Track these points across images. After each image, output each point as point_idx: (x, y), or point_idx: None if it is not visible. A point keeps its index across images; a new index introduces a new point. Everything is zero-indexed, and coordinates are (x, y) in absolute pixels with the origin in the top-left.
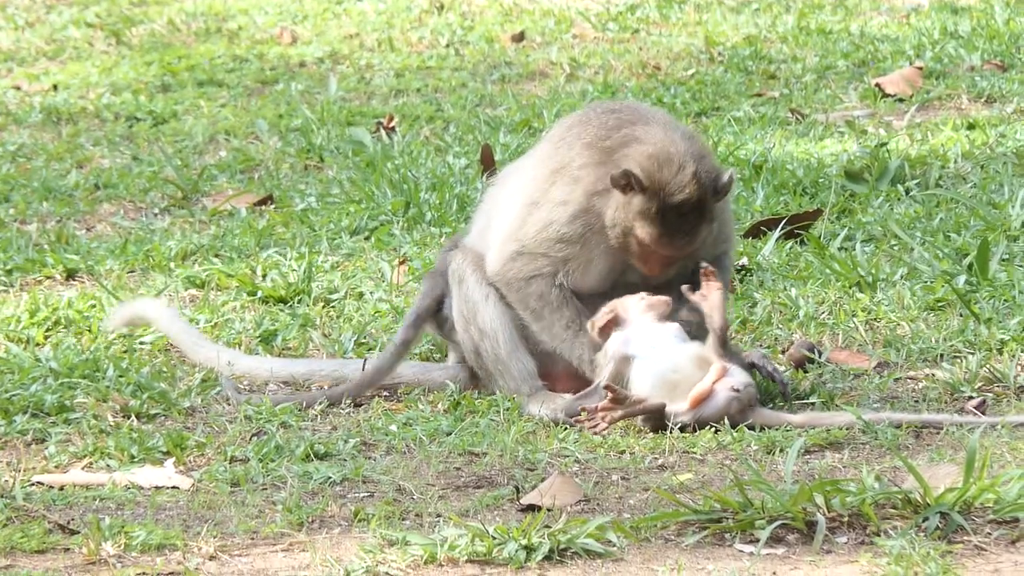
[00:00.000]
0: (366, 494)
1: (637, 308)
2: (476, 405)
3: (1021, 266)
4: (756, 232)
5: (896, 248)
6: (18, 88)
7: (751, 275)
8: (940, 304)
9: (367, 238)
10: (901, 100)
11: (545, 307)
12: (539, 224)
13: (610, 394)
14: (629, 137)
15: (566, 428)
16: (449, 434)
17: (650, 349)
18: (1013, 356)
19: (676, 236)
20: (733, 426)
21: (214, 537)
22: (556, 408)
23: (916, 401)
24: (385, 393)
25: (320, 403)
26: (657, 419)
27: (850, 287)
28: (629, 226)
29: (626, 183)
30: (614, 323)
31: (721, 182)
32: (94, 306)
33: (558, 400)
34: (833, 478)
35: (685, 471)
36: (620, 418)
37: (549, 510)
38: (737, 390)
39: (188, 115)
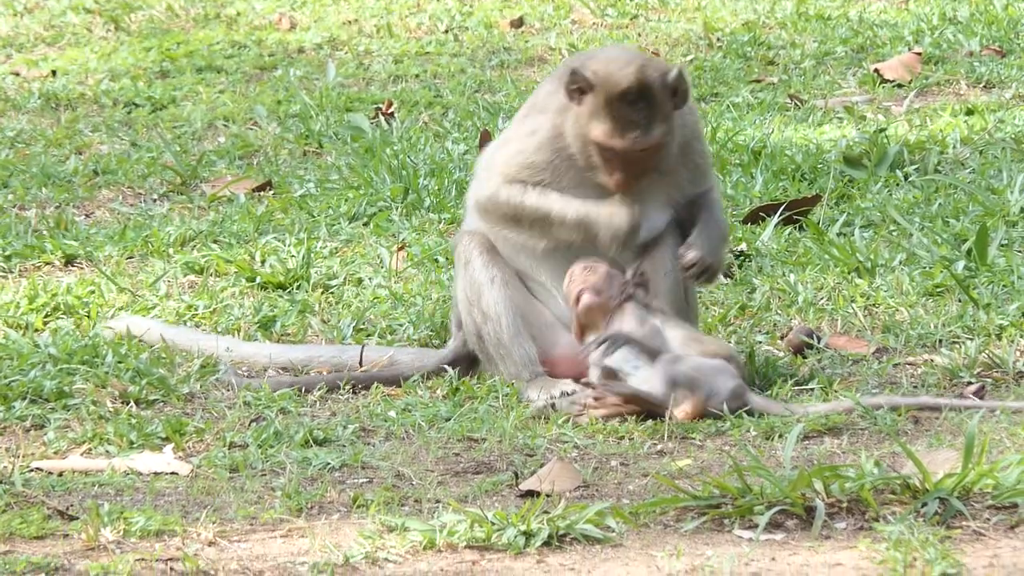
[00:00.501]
0: (365, 480)
1: (591, 281)
2: (475, 391)
3: (1020, 251)
4: (755, 218)
5: (895, 234)
6: (17, 74)
7: (750, 261)
8: (939, 290)
9: (366, 224)
10: (900, 86)
11: (523, 202)
12: (510, 153)
13: (596, 393)
14: (586, 58)
15: (565, 414)
16: (448, 420)
17: (634, 367)
18: (1012, 341)
19: (628, 128)
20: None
21: (213, 523)
22: (554, 394)
23: (915, 387)
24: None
25: (320, 388)
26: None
27: (849, 273)
28: (586, 132)
29: (576, 87)
30: (584, 292)
31: (670, 76)
32: (93, 292)
33: (558, 386)
34: (832, 464)
35: (684, 457)
36: (606, 415)
37: (548, 496)
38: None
39: (187, 101)
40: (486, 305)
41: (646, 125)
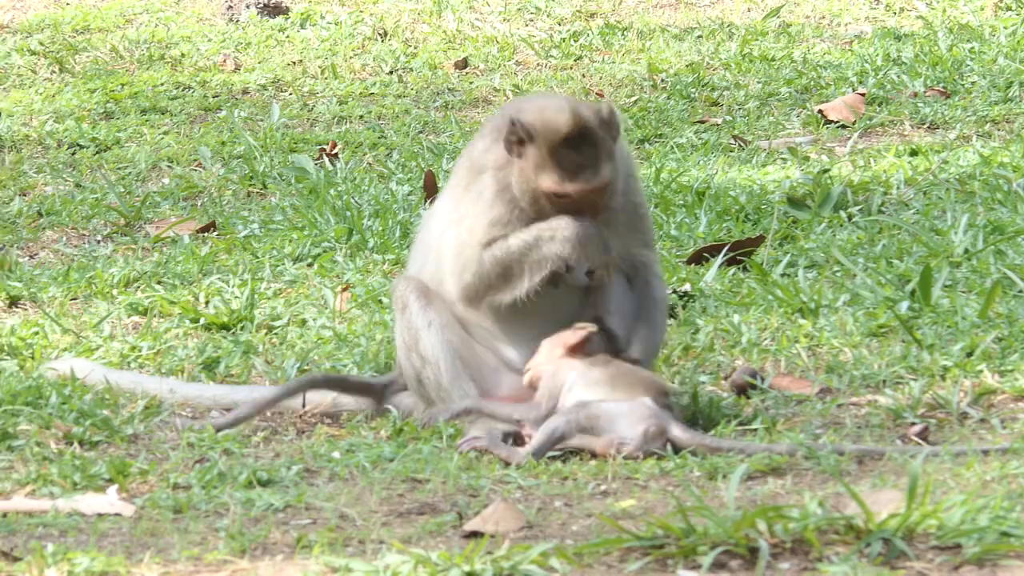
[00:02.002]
0: (309, 521)
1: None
2: (419, 432)
3: (964, 292)
4: (699, 258)
5: (839, 274)
6: None
7: (694, 301)
8: (883, 330)
9: (310, 265)
10: (844, 126)
11: (505, 258)
12: (472, 224)
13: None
14: (515, 110)
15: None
16: (392, 460)
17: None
18: (956, 382)
19: (578, 172)
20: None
21: (157, 563)
22: (490, 433)
23: (859, 427)
24: (328, 420)
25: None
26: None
27: (793, 313)
28: (534, 184)
29: (516, 138)
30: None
31: (603, 114)
32: (37, 333)
33: (499, 426)
34: (776, 504)
35: (628, 497)
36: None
37: (492, 536)
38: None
39: (131, 142)
40: (424, 349)
41: (593, 166)
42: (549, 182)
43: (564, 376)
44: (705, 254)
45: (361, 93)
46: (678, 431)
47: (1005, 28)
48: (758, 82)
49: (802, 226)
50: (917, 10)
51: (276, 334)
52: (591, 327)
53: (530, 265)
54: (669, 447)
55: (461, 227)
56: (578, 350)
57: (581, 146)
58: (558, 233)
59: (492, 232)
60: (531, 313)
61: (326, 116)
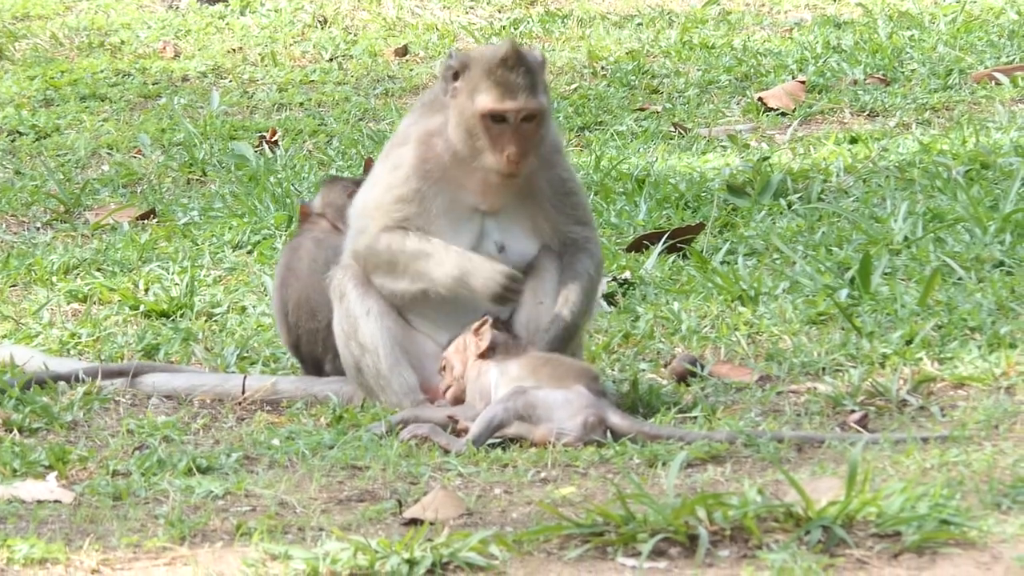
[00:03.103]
0: (248, 508)
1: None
2: (359, 419)
3: (903, 280)
4: (639, 246)
5: (778, 262)
6: None
7: (633, 289)
8: (822, 318)
9: (250, 252)
10: (784, 114)
11: (404, 248)
12: (379, 193)
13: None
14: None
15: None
16: (332, 448)
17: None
18: (895, 370)
19: (515, 90)
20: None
21: (96, 551)
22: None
23: (798, 415)
24: (267, 407)
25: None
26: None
27: (732, 301)
28: (470, 112)
29: (451, 72)
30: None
31: (535, 52)
32: None
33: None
34: (715, 491)
35: (568, 485)
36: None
37: (432, 524)
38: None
39: (71, 129)
40: (363, 337)
41: (530, 88)
42: (486, 100)
43: (487, 376)
44: (645, 242)
45: (301, 80)
46: (616, 419)
47: (945, 16)
48: (698, 70)
49: (742, 214)
50: None
51: (216, 321)
52: (486, 322)
53: (413, 275)
54: (608, 434)
55: (370, 191)
56: (488, 350)
57: (517, 68)
58: (445, 266)
59: (395, 210)
60: (468, 299)
61: (266, 103)
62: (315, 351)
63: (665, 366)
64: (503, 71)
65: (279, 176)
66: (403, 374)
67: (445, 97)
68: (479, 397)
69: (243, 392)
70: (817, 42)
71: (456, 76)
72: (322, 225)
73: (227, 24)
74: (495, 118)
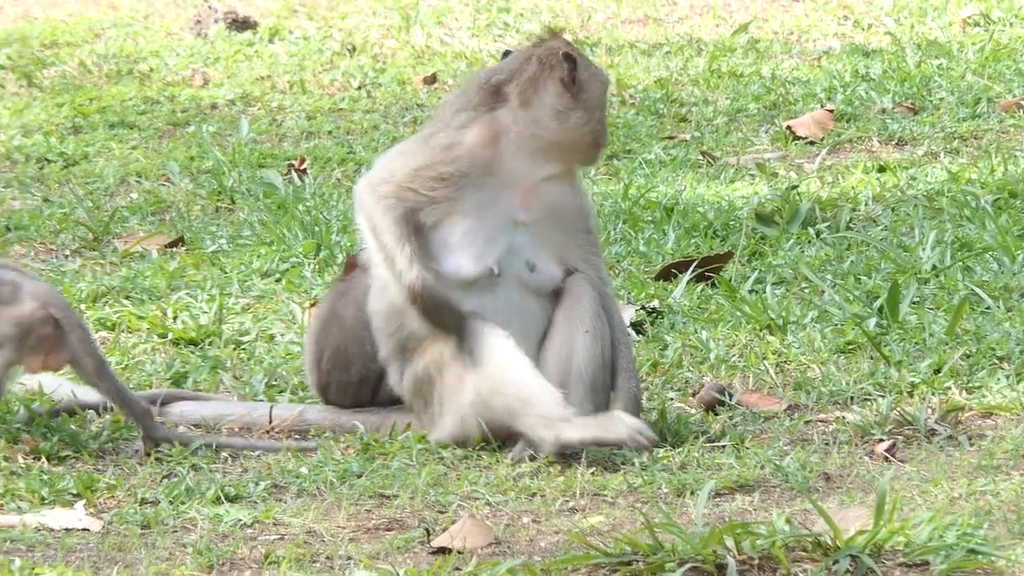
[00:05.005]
0: (276, 537)
1: None
2: (386, 447)
3: (931, 309)
4: (667, 275)
5: (807, 291)
6: None
7: (662, 318)
8: (851, 347)
9: (278, 280)
10: (812, 143)
11: (393, 234)
12: (415, 164)
13: None
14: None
15: (477, 471)
16: (360, 476)
17: None
18: (923, 399)
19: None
20: None
21: None
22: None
23: (827, 444)
24: (296, 436)
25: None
26: None
27: (761, 330)
28: (597, 90)
29: (572, 75)
30: None
31: None
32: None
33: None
34: (743, 521)
35: (596, 513)
36: None
37: (460, 552)
38: None
39: (99, 157)
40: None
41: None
42: (609, 78)
43: None
44: (673, 270)
45: (330, 108)
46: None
47: (973, 44)
48: (726, 98)
49: (770, 242)
50: (885, 26)
51: (244, 349)
52: None
53: (384, 258)
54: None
55: (404, 160)
56: None
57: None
58: (414, 293)
59: (416, 183)
60: (501, 325)
61: (294, 131)
62: (343, 401)
63: (693, 395)
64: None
65: (307, 204)
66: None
67: (535, 96)
68: None
69: (270, 422)
70: (845, 71)
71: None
72: (367, 281)
73: (256, 52)
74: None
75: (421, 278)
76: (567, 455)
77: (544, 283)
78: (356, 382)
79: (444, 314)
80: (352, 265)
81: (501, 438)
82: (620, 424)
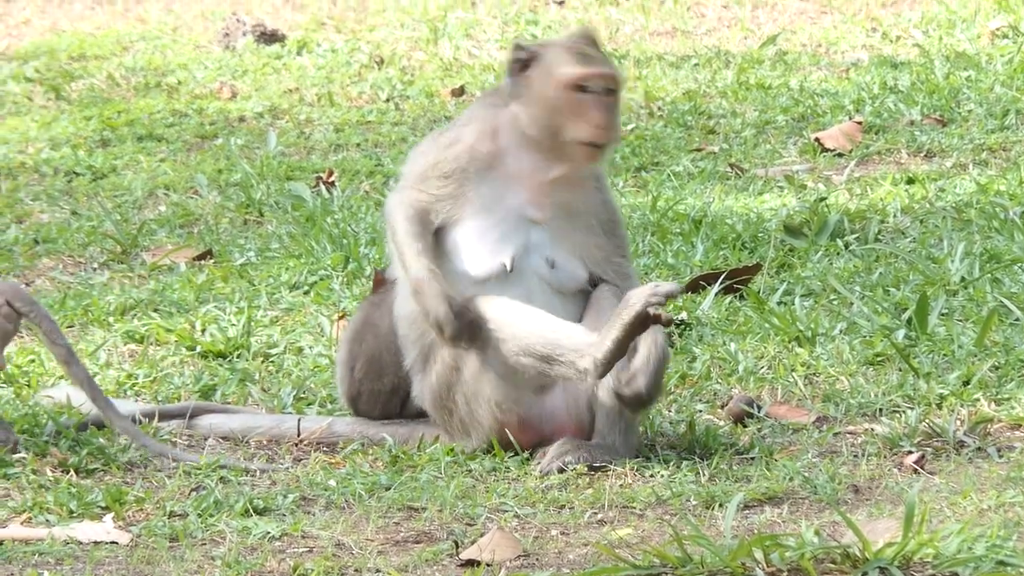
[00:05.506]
0: (305, 549)
1: None
2: (415, 459)
3: (960, 320)
4: (695, 287)
5: (835, 303)
6: None
7: (690, 330)
8: (879, 359)
9: (306, 293)
10: (840, 155)
11: (400, 235)
12: (426, 162)
13: None
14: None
15: (506, 483)
16: (388, 488)
17: None
18: (952, 411)
19: (597, 60)
20: None
21: None
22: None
23: (855, 456)
24: (324, 448)
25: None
26: None
27: (789, 342)
28: (552, 85)
29: (523, 62)
30: None
31: None
32: (33, 361)
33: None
34: (772, 533)
35: (624, 526)
36: None
37: (488, 565)
38: None
39: (127, 170)
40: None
41: (609, 61)
42: (570, 69)
43: None
44: (702, 282)
45: (358, 121)
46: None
47: (1001, 56)
48: (755, 110)
49: (799, 254)
50: (913, 38)
51: (272, 362)
52: None
53: (398, 257)
54: None
55: (419, 160)
56: None
57: (594, 44)
58: (417, 287)
59: (434, 186)
60: None
61: (323, 144)
62: (372, 412)
63: (722, 407)
64: (583, 45)
65: (336, 217)
66: None
67: (514, 89)
68: None
69: (298, 434)
70: (874, 83)
71: (526, 66)
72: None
73: (284, 64)
74: (579, 87)
75: (424, 270)
76: (597, 467)
77: (566, 281)
78: (388, 391)
79: (441, 309)
80: (380, 281)
81: (531, 442)
82: (632, 302)
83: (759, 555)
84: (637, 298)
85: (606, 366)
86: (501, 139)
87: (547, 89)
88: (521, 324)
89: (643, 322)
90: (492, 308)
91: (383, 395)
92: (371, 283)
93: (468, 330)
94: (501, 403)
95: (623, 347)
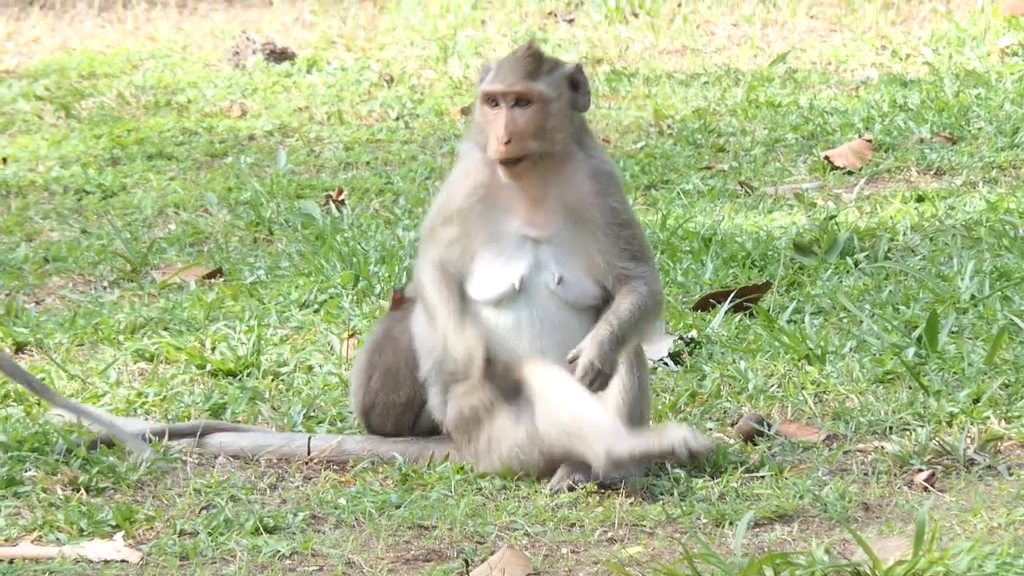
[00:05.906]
0: (315, 568)
1: None
2: (425, 478)
3: (970, 339)
4: (705, 305)
5: (845, 321)
6: None
7: (700, 348)
8: (889, 377)
9: (316, 311)
10: (850, 173)
11: (428, 294)
12: (431, 215)
13: None
14: None
15: (516, 501)
16: (398, 507)
17: None
18: (962, 429)
19: (510, 74)
20: None
21: None
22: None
23: (865, 474)
24: (334, 466)
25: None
26: None
27: (799, 360)
28: (477, 111)
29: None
30: None
31: (568, 67)
32: (43, 379)
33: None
34: (782, 551)
35: (635, 544)
36: None
37: None
38: None
39: (137, 188)
40: None
41: (530, 74)
42: (482, 84)
43: None
44: (711, 300)
45: (368, 139)
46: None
47: (1011, 74)
48: (764, 128)
49: (808, 272)
50: (923, 56)
51: (282, 380)
52: None
53: (429, 320)
54: None
55: (429, 214)
56: None
57: (524, 57)
58: (443, 337)
59: (442, 232)
60: (536, 339)
61: (332, 162)
62: (384, 425)
63: (732, 425)
64: (509, 59)
65: (345, 235)
66: None
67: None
68: None
69: (308, 452)
70: (883, 101)
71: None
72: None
73: (293, 83)
74: (489, 101)
75: (469, 348)
76: (607, 485)
77: (575, 296)
78: (403, 403)
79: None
80: (398, 300)
81: (548, 472)
82: (670, 433)
83: (769, 573)
84: (676, 437)
85: (617, 463)
86: (487, 168)
87: (477, 107)
88: (560, 396)
89: (668, 455)
90: (536, 374)
91: (397, 408)
92: (384, 301)
93: (505, 391)
94: (524, 447)
95: (639, 462)
